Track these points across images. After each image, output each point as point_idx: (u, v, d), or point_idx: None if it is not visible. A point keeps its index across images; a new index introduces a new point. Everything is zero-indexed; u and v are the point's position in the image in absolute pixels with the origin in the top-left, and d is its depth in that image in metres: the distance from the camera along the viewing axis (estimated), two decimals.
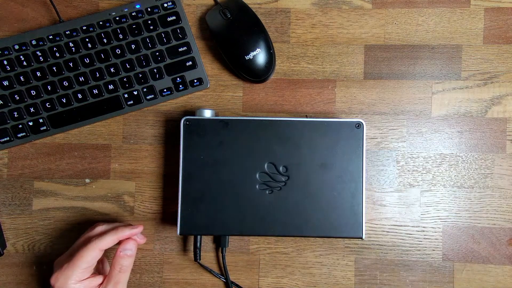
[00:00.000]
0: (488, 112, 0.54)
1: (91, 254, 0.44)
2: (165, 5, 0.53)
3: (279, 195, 0.49)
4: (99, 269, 0.50)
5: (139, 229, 0.48)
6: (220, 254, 0.53)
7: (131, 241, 0.47)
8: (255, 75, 0.53)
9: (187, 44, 0.54)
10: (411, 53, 0.54)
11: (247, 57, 0.52)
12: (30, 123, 0.53)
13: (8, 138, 0.53)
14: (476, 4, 0.54)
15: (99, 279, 0.45)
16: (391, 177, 0.54)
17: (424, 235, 0.53)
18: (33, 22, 0.55)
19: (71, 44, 0.53)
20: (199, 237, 0.52)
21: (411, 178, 0.54)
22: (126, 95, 0.54)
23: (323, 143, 0.49)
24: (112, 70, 0.53)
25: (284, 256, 0.53)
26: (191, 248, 0.53)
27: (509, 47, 0.54)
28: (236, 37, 0.53)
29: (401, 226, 0.53)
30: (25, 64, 0.53)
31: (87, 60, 0.53)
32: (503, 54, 0.54)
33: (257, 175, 0.49)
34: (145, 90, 0.54)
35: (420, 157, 0.54)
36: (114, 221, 0.54)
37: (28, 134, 0.53)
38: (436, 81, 0.54)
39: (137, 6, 0.53)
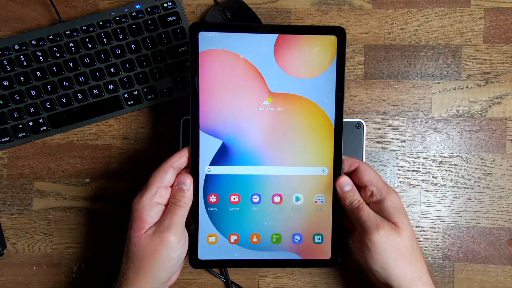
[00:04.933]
0: (488, 112, 0.54)
1: (162, 170, 0.42)
2: (165, 5, 0.53)
3: None
4: None
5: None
6: None
7: (187, 175, 0.43)
8: None
9: (187, 44, 0.54)
10: (411, 53, 0.54)
11: None
12: (30, 123, 0.53)
13: (8, 138, 0.53)
14: (476, 4, 0.54)
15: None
16: (391, 177, 0.54)
17: (424, 235, 0.53)
18: (33, 22, 0.55)
19: (71, 44, 0.53)
20: None
21: (411, 178, 0.54)
22: (126, 95, 0.54)
23: None
24: (112, 70, 0.53)
25: None
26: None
27: (509, 47, 0.54)
28: None
29: None
30: (25, 64, 0.53)
31: (87, 60, 0.53)
32: (503, 54, 0.54)
33: None
34: (145, 90, 0.54)
35: (420, 157, 0.54)
36: (113, 221, 0.54)
37: (28, 134, 0.53)
38: (436, 81, 0.54)
39: (137, 6, 0.53)
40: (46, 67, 0.53)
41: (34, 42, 0.53)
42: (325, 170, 0.45)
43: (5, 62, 0.52)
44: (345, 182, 0.44)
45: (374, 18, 0.55)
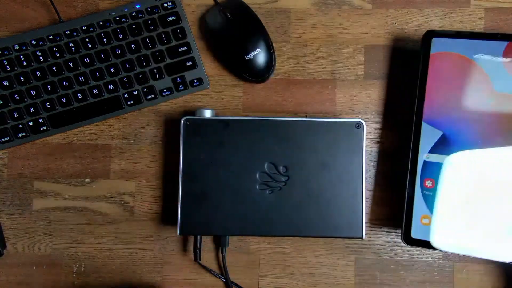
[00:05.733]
0: None
1: None
2: (165, 5, 0.53)
3: (279, 195, 0.49)
4: None
5: None
6: (220, 254, 0.53)
7: None
8: (255, 75, 0.53)
9: (187, 44, 0.54)
10: None
11: (247, 57, 0.52)
12: (30, 123, 0.53)
13: (8, 138, 0.53)
14: (476, 4, 0.54)
15: None
16: None
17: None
18: (33, 22, 0.55)
19: (71, 44, 0.53)
20: (199, 237, 0.52)
21: None
22: (126, 95, 0.54)
23: (323, 143, 0.49)
24: (112, 70, 0.53)
25: (284, 256, 0.53)
26: (191, 248, 0.53)
27: None
28: (236, 37, 0.53)
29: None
30: (25, 64, 0.53)
31: (87, 60, 0.53)
32: None
33: (257, 175, 0.49)
34: (145, 90, 0.54)
35: None
36: (113, 221, 0.54)
37: (28, 134, 0.53)
38: None
39: (137, 6, 0.53)
40: (46, 67, 0.53)
41: (34, 42, 0.53)
42: None
43: (5, 62, 0.52)
44: None
45: (374, 18, 0.55)
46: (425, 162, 0.48)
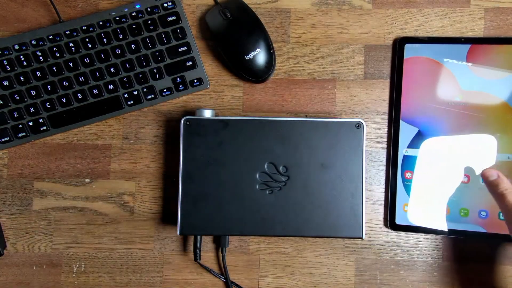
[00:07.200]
0: None
1: None
2: (165, 5, 0.53)
3: (279, 195, 0.49)
4: None
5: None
6: (220, 254, 0.53)
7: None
8: (255, 75, 0.53)
9: (187, 44, 0.54)
10: None
11: (247, 57, 0.52)
12: (30, 123, 0.53)
13: (8, 138, 0.53)
14: (476, 4, 0.54)
15: None
16: None
17: (424, 235, 0.53)
18: (33, 22, 0.55)
19: (71, 44, 0.53)
20: (199, 237, 0.52)
21: None
22: (126, 95, 0.54)
23: (323, 143, 0.49)
24: (112, 70, 0.53)
25: (284, 256, 0.53)
26: (191, 248, 0.53)
27: None
28: (236, 37, 0.53)
29: None
30: (25, 64, 0.53)
31: (87, 60, 0.53)
32: None
33: (257, 175, 0.49)
34: (145, 90, 0.54)
35: None
36: (113, 221, 0.54)
37: (28, 134, 0.53)
38: None
39: (137, 6, 0.53)
40: (46, 67, 0.53)
41: (34, 42, 0.53)
42: (510, 156, 0.51)
43: (5, 62, 0.52)
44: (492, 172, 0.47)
45: (374, 18, 0.55)
46: (404, 156, 0.52)
